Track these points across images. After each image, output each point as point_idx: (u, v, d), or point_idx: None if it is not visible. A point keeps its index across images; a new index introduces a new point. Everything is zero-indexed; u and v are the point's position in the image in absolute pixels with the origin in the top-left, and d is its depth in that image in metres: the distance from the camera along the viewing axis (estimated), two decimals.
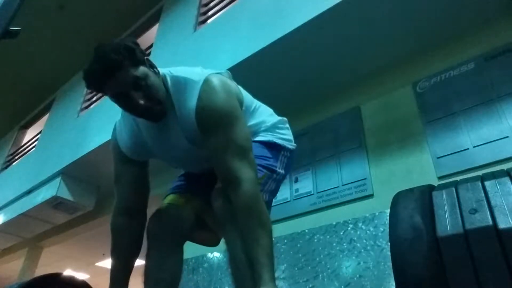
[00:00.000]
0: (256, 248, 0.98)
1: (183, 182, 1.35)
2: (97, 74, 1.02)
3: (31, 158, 5.05)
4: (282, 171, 1.26)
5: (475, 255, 0.98)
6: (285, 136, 1.32)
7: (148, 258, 1.19)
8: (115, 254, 1.22)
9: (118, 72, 1.01)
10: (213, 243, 1.36)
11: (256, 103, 1.33)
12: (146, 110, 1.07)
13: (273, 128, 1.31)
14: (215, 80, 1.12)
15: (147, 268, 1.17)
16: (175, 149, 1.18)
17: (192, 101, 1.08)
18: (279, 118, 1.37)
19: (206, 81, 1.10)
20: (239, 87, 1.29)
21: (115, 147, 1.25)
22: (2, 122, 6.09)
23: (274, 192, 1.27)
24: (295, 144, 1.36)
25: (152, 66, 1.11)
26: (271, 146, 1.25)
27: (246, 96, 1.29)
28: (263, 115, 1.32)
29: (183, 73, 1.14)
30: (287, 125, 1.38)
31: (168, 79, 1.13)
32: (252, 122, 1.24)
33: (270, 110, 1.38)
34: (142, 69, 1.06)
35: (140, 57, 1.06)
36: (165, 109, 1.10)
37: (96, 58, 1.02)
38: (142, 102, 1.04)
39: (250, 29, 2.80)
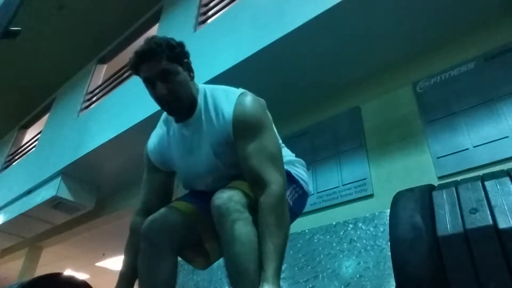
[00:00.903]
0: (269, 244, 0.99)
1: (193, 195, 1.35)
2: (136, 57, 1.14)
3: (31, 158, 5.05)
4: (290, 202, 1.24)
5: (475, 255, 0.98)
6: (301, 175, 1.35)
7: (141, 260, 1.17)
8: (127, 253, 1.26)
9: (152, 59, 1.12)
10: (201, 266, 1.31)
11: (280, 140, 1.38)
12: (166, 102, 1.17)
13: (290, 163, 1.35)
14: (251, 95, 1.22)
15: (141, 271, 1.16)
16: (194, 156, 1.22)
17: (229, 107, 1.17)
18: (298, 159, 1.42)
19: (243, 93, 1.21)
20: None
21: (146, 154, 1.35)
22: (2, 122, 6.09)
23: None
24: (310, 190, 1.39)
25: (189, 69, 1.21)
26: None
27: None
28: (285, 152, 1.36)
29: (222, 86, 1.26)
30: (305, 168, 1.42)
31: (207, 90, 1.23)
32: None
33: (291, 152, 1.44)
34: (176, 66, 1.15)
35: (178, 55, 1.17)
36: (185, 108, 1.19)
37: (141, 45, 1.14)
38: (163, 92, 1.14)
39: (250, 29, 2.80)
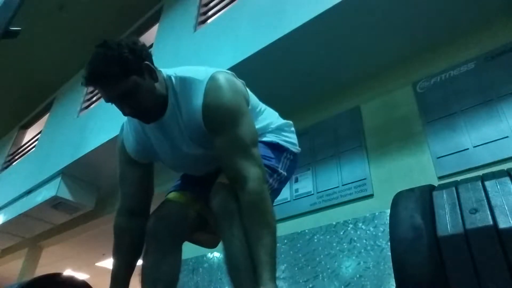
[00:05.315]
0: (258, 247, 0.98)
1: (186, 181, 1.34)
2: (87, 79, 1.03)
3: (31, 158, 5.05)
4: (284, 173, 1.26)
5: (476, 255, 0.98)
6: (289, 139, 1.33)
7: (146, 257, 1.17)
8: (116, 254, 1.23)
9: (105, 83, 1.03)
10: (212, 245, 1.35)
11: (261, 105, 1.33)
12: (132, 115, 1.11)
13: (278, 130, 1.31)
14: (221, 78, 1.13)
15: (145, 267, 1.16)
16: (177, 150, 1.18)
17: (198, 99, 1.09)
18: (285, 121, 1.38)
19: (212, 79, 1.11)
20: (247, 88, 1.28)
21: (120, 148, 1.27)
22: (2, 122, 6.09)
23: (275, 193, 1.27)
24: (299, 148, 1.36)
25: (150, 70, 1.09)
26: (274, 147, 1.26)
27: (252, 97, 1.29)
28: (269, 118, 1.32)
29: (189, 73, 1.15)
30: (292, 129, 1.39)
31: (173, 80, 1.14)
32: (258, 125, 1.23)
33: (276, 113, 1.39)
34: (133, 79, 1.04)
35: (133, 66, 1.04)
36: (154, 114, 1.12)
37: (91, 61, 1.03)
38: (127, 111, 1.07)
39: (250, 29, 2.80)
